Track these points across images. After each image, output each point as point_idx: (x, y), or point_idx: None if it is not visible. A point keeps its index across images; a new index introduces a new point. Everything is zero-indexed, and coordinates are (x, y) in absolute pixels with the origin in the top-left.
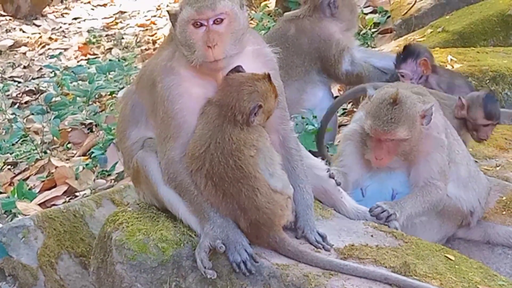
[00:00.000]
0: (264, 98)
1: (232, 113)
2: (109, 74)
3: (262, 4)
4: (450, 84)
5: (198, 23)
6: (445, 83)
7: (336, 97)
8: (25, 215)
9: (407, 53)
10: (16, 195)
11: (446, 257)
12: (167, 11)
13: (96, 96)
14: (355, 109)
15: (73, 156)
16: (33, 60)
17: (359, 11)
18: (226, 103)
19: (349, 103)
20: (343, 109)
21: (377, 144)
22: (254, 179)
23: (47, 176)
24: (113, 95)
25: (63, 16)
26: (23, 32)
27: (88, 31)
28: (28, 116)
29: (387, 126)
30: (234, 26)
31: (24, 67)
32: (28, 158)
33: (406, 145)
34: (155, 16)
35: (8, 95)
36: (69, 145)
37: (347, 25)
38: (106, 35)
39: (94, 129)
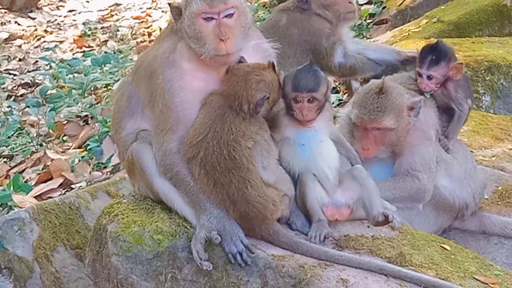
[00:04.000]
0: (270, 87)
1: (238, 103)
2: (104, 66)
3: None
4: (466, 88)
5: (209, 17)
6: (462, 87)
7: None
8: (21, 208)
9: (439, 54)
10: (12, 188)
11: (442, 247)
12: (169, 4)
13: (92, 88)
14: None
15: (68, 149)
16: (29, 52)
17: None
18: (233, 93)
19: (345, 93)
20: (339, 99)
21: (364, 134)
22: (246, 170)
23: (43, 169)
24: (109, 87)
25: (58, 9)
26: (19, 25)
27: (84, 24)
28: (23, 108)
29: (373, 114)
30: (243, 20)
31: (20, 60)
32: (24, 151)
33: (393, 135)
34: (150, 8)
35: (3, 88)
36: (64, 138)
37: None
38: (102, 28)
39: (89, 122)
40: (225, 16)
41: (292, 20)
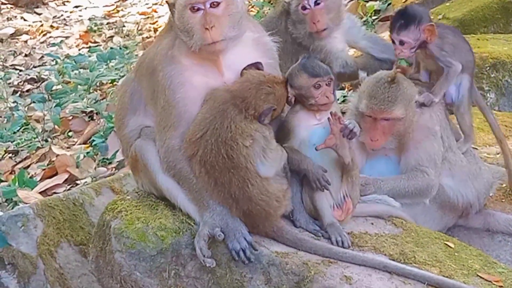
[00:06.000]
0: (278, 102)
1: (246, 105)
2: (110, 62)
3: None
4: (455, 44)
5: (195, 7)
6: (450, 45)
7: None
8: (26, 203)
9: (408, 19)
10: (17, 184)
11: (446, 244)
12: (166, 1)
13: (97, 84)
14: None
15: (74, 144)
16: (35, 48)
17: None
18: (242, 96)
19: (349, 90)
20: (344, 96)
21: (372, 125)
22: (245, 170)
23: (48, 164)
24: (114, 83)
25: (64, 4)
26: (25, 20)
27: (89, 19)
28: (29, 104)
29: (383, 104)
30: (231, 9)
31: (26, 55)
32: (29, 146)
33: (401, 125)
34: (156, 4)
35: (9, 83)
36: (70, 133)
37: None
38: (107, 23)
39: (95, 117)
40: (212, 6)
41: (287, 26)
